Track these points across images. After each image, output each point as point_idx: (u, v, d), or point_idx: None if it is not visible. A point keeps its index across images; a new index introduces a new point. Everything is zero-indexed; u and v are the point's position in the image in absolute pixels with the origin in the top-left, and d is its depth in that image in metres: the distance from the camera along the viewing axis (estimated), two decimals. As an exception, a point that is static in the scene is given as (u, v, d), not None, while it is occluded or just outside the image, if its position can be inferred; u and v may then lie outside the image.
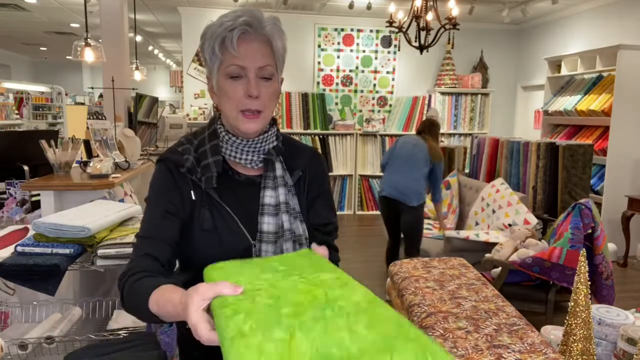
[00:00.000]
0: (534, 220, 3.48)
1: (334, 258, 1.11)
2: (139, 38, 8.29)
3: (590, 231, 2.76)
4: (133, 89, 4.78)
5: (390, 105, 7.27)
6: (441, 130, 5.11)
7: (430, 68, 7.28)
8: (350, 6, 5.97)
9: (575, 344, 1.13)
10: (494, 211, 3.75)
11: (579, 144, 3.95)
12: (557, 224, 2.99)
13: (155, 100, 4.92)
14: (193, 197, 1.04)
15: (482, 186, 4.12)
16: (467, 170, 5.31)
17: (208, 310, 0.72)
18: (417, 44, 4.36)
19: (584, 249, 1.59)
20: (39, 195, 2.50)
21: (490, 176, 4.66)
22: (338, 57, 7.06)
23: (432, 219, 4.37)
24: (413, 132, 5.64)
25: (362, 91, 7.20)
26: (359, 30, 7.06)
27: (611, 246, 4.34)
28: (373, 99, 7.25)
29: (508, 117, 7.62)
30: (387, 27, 4.43)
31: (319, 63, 7.03)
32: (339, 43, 7.04)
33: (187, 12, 6.73)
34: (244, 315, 0.64)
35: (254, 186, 1.08)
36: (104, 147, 3.19)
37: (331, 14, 6.86)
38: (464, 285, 1.54)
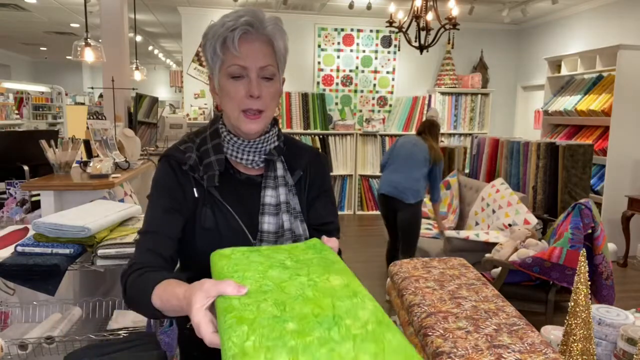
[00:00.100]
0: (534, 220, 3.48)
1: None
2: (139, 38, 8.29)
3: (590, 231, 2.76)
4: (133, 89, 4.77)
5: (390, 105, 7.26)
6: (441, 130, 5.12)
7: (430, 68, 7.28)
8: (350, 6, 5.97)
9: (575, 344, 1.13)
10: (494, 211, 3.75)
11: (579, 144, 3.95)
12: (557, 224, 2.99)
13: (155, 100, 4.92)
14: (195, 195, 1.04)
15: (482, 186, 4.12)
16: (467, 170, 5.32)
17: (212, 307, 0.72)
18: (417, 44, 4.36)
19: (584, 249, 1.59)
20: (39, 195, 2.50)
21: (490, 176, 4.66)
22: (338, 57, 7.06)
23: (432, 219, 4.38)
24: (413, 132, 5.65)
25: (362, 91, 7.20)
26: (359, 30, 7.06)
27: (611, 246, 4.34)
28: (373, 99, 7.24)
29: (508, 117, 7.62)
30: (387, 27, 4.43)
31: (319, 63, 7.02)
32: (339, 43, 7.04)
33: (187, 12, 6.73)
34: (248, 328, 0.63)
35: (255, 185, 1.08)
36: (104, 147, 3.19)
37: (331, 14, 6.85)
38: (464, 285, 1.54)
